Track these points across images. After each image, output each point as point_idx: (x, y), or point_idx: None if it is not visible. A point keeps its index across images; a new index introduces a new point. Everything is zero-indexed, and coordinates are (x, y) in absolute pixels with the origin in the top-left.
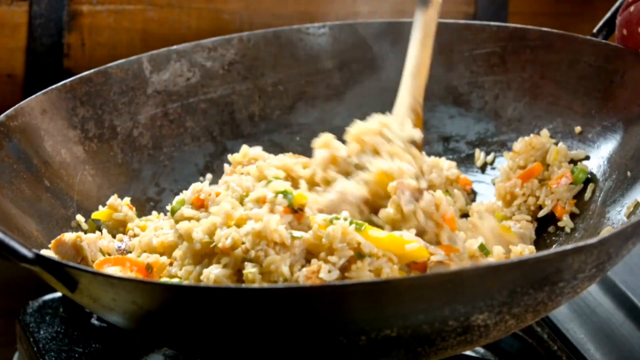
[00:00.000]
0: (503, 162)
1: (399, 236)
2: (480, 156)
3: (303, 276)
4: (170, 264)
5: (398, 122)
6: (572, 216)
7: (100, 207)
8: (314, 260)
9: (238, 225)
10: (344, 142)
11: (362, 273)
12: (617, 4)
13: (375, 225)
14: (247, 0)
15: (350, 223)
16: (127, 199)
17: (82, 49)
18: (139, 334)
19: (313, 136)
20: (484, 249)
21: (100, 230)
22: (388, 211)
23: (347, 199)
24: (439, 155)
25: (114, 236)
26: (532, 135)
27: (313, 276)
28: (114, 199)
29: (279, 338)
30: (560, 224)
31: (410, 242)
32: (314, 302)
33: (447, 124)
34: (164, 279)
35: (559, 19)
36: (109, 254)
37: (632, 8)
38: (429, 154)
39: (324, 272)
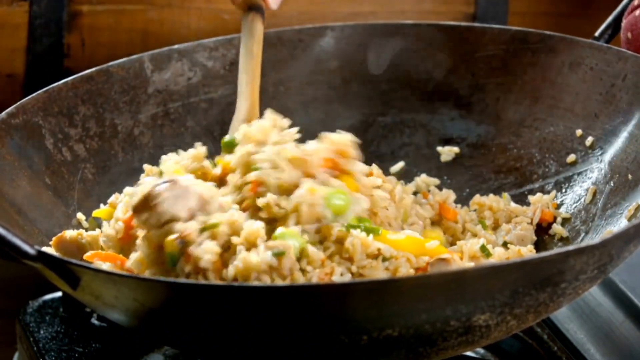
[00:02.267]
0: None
1: (414, 236)
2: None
3: (316, 277)
4: None
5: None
6: (573, 218)
7: (101, 205)
8: (327, 262)
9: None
10: None
11: (376, 272)
12: (619, 8)
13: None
14: None
15: (367, 232)
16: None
17: (82, 49)
18: (140, 332)
19: (313, 137)
20: (485, 250)
21: (101, 229)
22: None
23: None
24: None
25: None
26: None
27: (326, 278)
28: (114, 198)
29: (280, 337)
30: (551, 232)
31: (429, 241)
32: (316, 300)
33: (447, 126)
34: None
35: (560, 20)
36: None
37: (637, 12)
38: (429, 156)
39: (337, 275)
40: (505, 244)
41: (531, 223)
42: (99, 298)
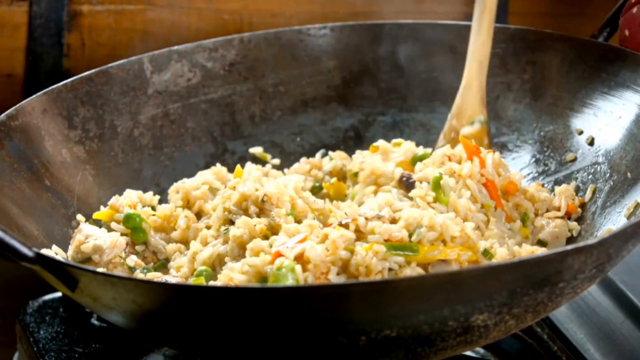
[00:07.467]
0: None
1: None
2: None
3: (312, 277)
4: None
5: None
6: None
7: (101, 207)
8: (324, 262)
9: None
10: None
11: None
12: (617, 5)
13: None
14: (247, 0)
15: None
16: (127, 199)
17: (82, 49)
18: (139, 333)
19: (314, 137)
20: (487, 254)
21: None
22: None
23: None
24: None
25: None
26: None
27: (322, 277)
28: (115, 200)
29: (279, 338)
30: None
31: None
32: (314, 302)
33: None
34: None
35: (559, 20)
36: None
37: (634, 9)
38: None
39: (333, 274)
40: (540, 242)
41: (563, 218)
42: (97, 300)
